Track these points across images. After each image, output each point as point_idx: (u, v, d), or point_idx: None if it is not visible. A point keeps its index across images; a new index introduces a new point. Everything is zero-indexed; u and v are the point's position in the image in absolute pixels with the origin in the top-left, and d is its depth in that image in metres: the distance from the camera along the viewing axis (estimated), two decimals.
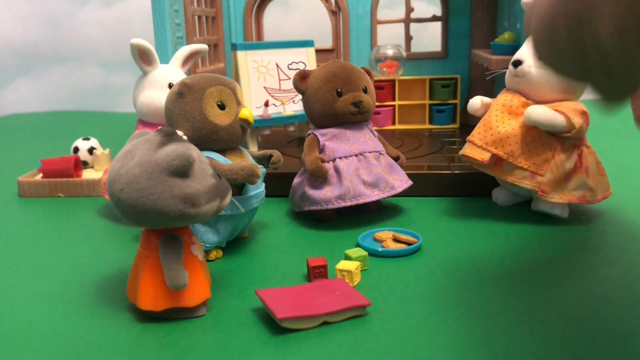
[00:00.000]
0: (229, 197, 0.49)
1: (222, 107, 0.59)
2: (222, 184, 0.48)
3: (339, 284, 0.50)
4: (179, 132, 0.50)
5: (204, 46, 0.83)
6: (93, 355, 0.43)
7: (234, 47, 0.93)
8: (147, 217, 0.45)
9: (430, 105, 1.11)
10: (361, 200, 0.66)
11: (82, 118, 1.67)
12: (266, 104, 0.93)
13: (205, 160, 0.48)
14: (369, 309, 0.48)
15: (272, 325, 0.46)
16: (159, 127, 0.48)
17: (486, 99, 0.71)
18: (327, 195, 0.66)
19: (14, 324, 0.48)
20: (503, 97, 0.68)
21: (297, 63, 0.97)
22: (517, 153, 0.65)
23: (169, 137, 0.46)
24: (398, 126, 1.12)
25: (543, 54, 0.29)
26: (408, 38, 1.17)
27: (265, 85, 0.94)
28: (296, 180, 0.72)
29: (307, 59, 0.98)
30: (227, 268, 0.58)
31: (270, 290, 0.49)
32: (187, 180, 0.45)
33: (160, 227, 0.46)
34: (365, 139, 0.70)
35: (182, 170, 0.44)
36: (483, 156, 0.66)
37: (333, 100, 0.68)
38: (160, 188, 0.44)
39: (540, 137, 0.65)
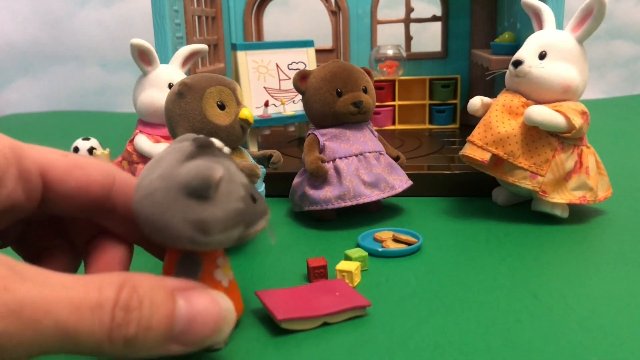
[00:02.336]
0: (261, 224, 0.43)
1: (222, 107, 0.59)
2: (252, 209, 0.42)
3: (339, 284, 0.50)
4: (218, 143, 0.43)
5: (204, 46, 0.83)
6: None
7: (234, 47, 0.93)
8: (160, 234, 0.40)
9: (430, 105, 1.11)
10: (361, 200, 0.66)
11: (82, 118, 1.67)
12: (266, 104, 0.93)
13: (238, 180, 0.42)
14: (369, 309, 0.48)
15: (272, 326, 0.46)
16: (197, 135, 0.44)
17: (486, 99, 0.71)
18: (327, 195, 0.66)
19: None
20: (503, 97, 0.68)
21: (297, 63, 0.97)
22: (518, 153, 0.65)
23: (201, 148, 0.41)
24: (398, 126, 1.12)
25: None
26: (408, 38, 1.17)
27: (265, 86, 0.94)
28: (296, 180, 0.72)
29: (307, 59, 0.98)
30: None
31: (270, 291, 0.49)
32: (205, 203, 0.39)
33: (173, 247, 0.42)
34: (365, 139, 0.70)
35: (201, 191, 0.39)
36: (483, 156, 0.66)
37: (333, 100, 0.68)
38: (174, 208, 0.39)
39: (540, 137, 0.65)
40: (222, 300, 0.39)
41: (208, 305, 0.39)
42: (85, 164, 0.43)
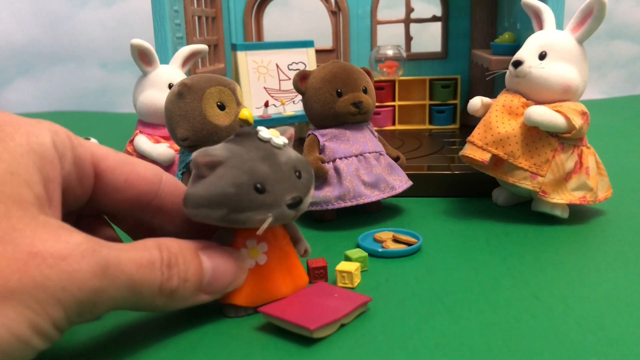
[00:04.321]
0: (258, 214, 0.44)
1: (222, 107, 0.59)
2: (247, 197, 0.44)
3: (325, 287, 0.49)
4: (264, 134, 0.47)
5: (204, 46, 0.83)
6: (93, 355, 0.43)
7: (234, 48, 0.93)
8: None
9: (430, 105, 1.11)
10: (361, 201, 0.66)
11: (82, 118, 1.67)
12: (266, 105, 0.93)
13: (247, 168, 0.44)
14: (370, 310, 0.48)
15: (272, 326, 0.46)
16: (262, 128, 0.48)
17: (486, 100, 0.71)
18: (327, 195, 0.66)
19: None
20: (503, 98, 0.68)
21: (297, 63, 0.97)
22: (518, 153, 0.65)
23: (237, 136, 0.47)
24: (398, 126, 1.12)
25: None
26: (408, 38, 1.17)
27: (265, 86, 0.94)
28: None
29: (307, 60, 0.98)
30: None
31: (274, 304, 0.47)
32: (199, 180, 0.44)
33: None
34: (365, 140, 0.70)
35: (195, 170, 0.45)
36: (483, 157, 0.66)
37: (333, 100, 0.68)
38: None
39: (540, 138, 0.65)
40: (235, 252, 0.46)
41: (227, 257, 0.45)
42: (134, 161, 0.46)
